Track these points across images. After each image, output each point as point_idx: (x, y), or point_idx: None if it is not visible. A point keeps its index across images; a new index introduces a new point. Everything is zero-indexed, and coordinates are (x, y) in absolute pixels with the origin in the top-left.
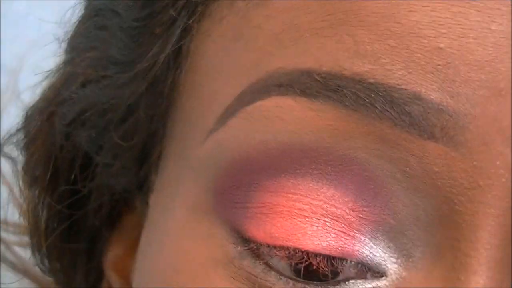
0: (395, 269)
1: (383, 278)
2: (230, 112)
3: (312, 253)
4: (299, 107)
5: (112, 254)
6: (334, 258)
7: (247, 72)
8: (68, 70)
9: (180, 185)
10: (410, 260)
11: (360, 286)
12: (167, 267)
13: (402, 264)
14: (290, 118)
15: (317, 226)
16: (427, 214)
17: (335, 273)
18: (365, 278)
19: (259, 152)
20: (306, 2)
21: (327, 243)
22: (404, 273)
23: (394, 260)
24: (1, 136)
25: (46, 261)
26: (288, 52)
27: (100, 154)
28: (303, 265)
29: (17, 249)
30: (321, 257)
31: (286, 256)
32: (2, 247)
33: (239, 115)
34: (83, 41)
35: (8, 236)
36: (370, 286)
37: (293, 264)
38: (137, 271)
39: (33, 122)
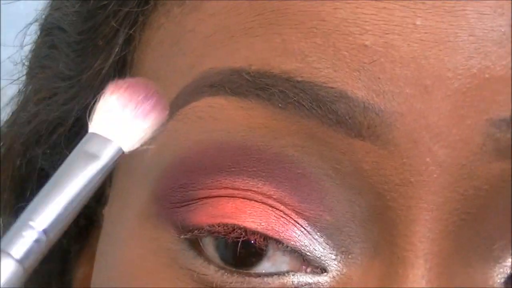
0: (335, 266)
1: (324, 274)
2: (168, 115)
3: (250, 230)
4: (231, 106)
5: (81, 272)
6: (270, 238)
7: (183, 75)
8: (25, 91)
9: (129, 194)
10: (349, 256)
11: (301, 280)
12: (120, 277)
13: (342, 261)
14: (223, 117)
15: (257, 208)
16: (363, 210)
17: (267, 251)
18: (305, 272)
19: (195, 152)
20: (236, 3)
21: (266, 223)
22: (344, 269)
23: (333, 256)
24: None
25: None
26: (219, 53)
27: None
28: (241, 239)
29: None
30: (258, 235)
31: (224, 232)
32: None
33: (175, 118)
34: (36, 62)
35: None
36: (311, 281)
37: (230, 238)
38: (93, 284)
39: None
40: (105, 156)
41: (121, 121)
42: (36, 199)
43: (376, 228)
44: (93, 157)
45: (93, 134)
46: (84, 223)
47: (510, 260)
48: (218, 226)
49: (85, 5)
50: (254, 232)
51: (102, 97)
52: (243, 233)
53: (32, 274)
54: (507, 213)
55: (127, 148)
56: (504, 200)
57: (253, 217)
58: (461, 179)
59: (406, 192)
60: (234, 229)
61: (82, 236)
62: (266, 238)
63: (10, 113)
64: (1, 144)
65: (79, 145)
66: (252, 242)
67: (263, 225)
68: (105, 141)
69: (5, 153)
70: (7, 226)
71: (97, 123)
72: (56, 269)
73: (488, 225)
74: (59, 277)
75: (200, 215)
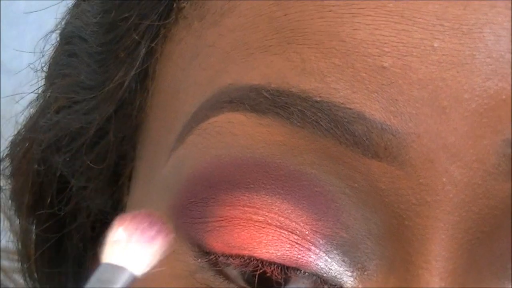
0: (351, 282)
1: None
2: (187, 129)
3: (266, 261)
4: (250, 122)
5: None
6: (287, 267)
7: (202, 89)
8: (44, 98)
9: (147, 205)
10: (365, 273)
11: None
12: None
13: (357, 277)
14: (242, 133)
15: (272, 236)
16: (379, 227)
17: (288, 281)
18: None
19: (214, 167)
20: (255, 20)
21: (282, 252)
22: (360, 286)
23: (349, 274)
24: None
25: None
26: (238, 68)
27: (74, 177)
28: (258, 273)
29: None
30: (275, 265)
31: (241, 264)
32: (2, 275)
33: (195, 132)
34: (56, 69)
35: (9, 264)
36: None
37: (248, 272)
38: None
39: (17, 151)
40: (119, 281)
41: (129, 249)
42: None
43: (392, 245)
44: (109, 282)
45: (106, 264)
46: (100, 229)
47: None
48: (234, 259)
49: (106, 16)
50: (270, 263)
51: (110, 230)
52: (260, 265)
53: (48, 277)
54: None
55: (138, 272)
56: None
57: (269, 247)
58: (476, 199)
59: (422, 212)
60: (250, 261)
61: (98, 240)
62: (283, 268)
63: (29, 117)
64: (19, 147)
65: (94, 274)
66: (269, 274)
67: (278, 255)
68: (118, 268)
69: (22, 156)
70: (23, 228)
71: (108, 254)
72: (72, 272)
73: (503, 244)
74: (74, 280)
75: (216, 241)
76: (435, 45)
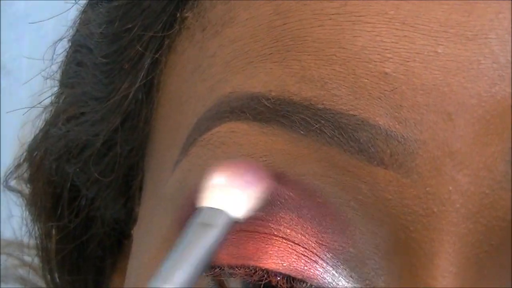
0: None
1: None
2: (190, 141)
3: (272, 271)
4: (253, 131)
5: (117, 281)
6: (293, 279)
7: (203, 100)
8: (55, 106)
9: (154, 217)
10: None
11: None
12: None
13: None
14: (245, 142)
15: (278, 247)
16: (386, 242)
17: None
18: None
19: None
20: (255, 30)
21: (288, 263)
22: None
23: None
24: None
25: None
26: (238, 77)
27: (86, 188)
28: (263, 282)
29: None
30: (281, 276)
31: (246, 274)
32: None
33: (198, 144)
34: (65, 77)
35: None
36: None
37: (253, 282)
38: None
39: (34, 156)
40: (219, 224)
41: (228, 192)
42: (164, 267)
43: (400, 260)
44: (208, 225)
45: (206, 207)
46: (117, 237)
47: None
48: (239, 269)
49: (110, 27)
50: (276, 274)
51: (208, 176)
52: (265, 275)
53: (70, 284)
54: None
55: (237, 215)
56: None
57: (275, 258)
58: (484, 209)
59: (429, 223)
60: (256, 271)
61: (116, 248)
62: (289, 278)
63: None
64: (36, 152)
65: (194, 218)
66: (274, 284)
67: (285, 265)
68: (218, 211)
69: (40, 161)
70: (42, 234)
71: (207, 198)
72: (91, 280)
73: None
74: (94, 287)
75: (221, 253)
76: (439, 51)
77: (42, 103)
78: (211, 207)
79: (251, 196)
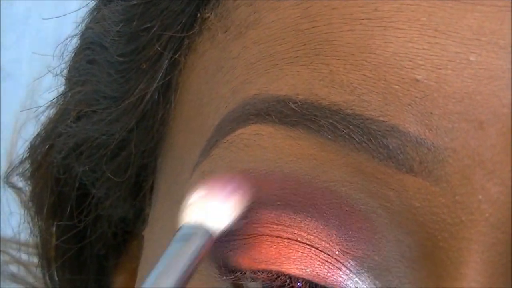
0: None
1: None
2: (212, 143)
3: (295, 277)
4: (279, 134)
5: (120, 280)
6: (316, 285)
7: (226, 102)
8: (63, 103)
9: (169, 220)
10: None
11: None
12: None
13: None
14: (271, 145)
15: (302, 253)
16: (412, 250)
17: None
18: None
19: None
20: (281, 33)
21: (311, 269)
22: None
23: None
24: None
25: None
26: (263, 79)
27: (95, 187)
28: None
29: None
30: (304, 281)
31: (268, 279)
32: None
33: (220, 145)
34: (75, 75)
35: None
36: None
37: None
38: None
39: (37, 153)
40: (199, 238)
41: (205, 208)
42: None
43: (425, 269)
44: (188, 240)
45: (184, 224)
46: (122, 236)
47: None
48: (262, 273)
49: (128, 26)
50: (299, 279)
51: (186, 198)
52: (288, 280)
53: (70, 283)
54: None
55: (216, 228)
56: None
57: (298, 263)
58: None
59: (457, 233)
60: (278, 276)
61: (120, 248)
62: (312, 284)
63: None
64: (38, 150)
65: (174, 236)
66: None
67: (308, 271)
68: (196, 226)
69: (42, 159)
70: (43, 231)
71: (185, 216)
72: (93, 278)
73: None
74: (96, 285)
75: (242, 257)
76: (471, 59)
77: (42, 103)
78: (189, 223)
79: (231, 208)
